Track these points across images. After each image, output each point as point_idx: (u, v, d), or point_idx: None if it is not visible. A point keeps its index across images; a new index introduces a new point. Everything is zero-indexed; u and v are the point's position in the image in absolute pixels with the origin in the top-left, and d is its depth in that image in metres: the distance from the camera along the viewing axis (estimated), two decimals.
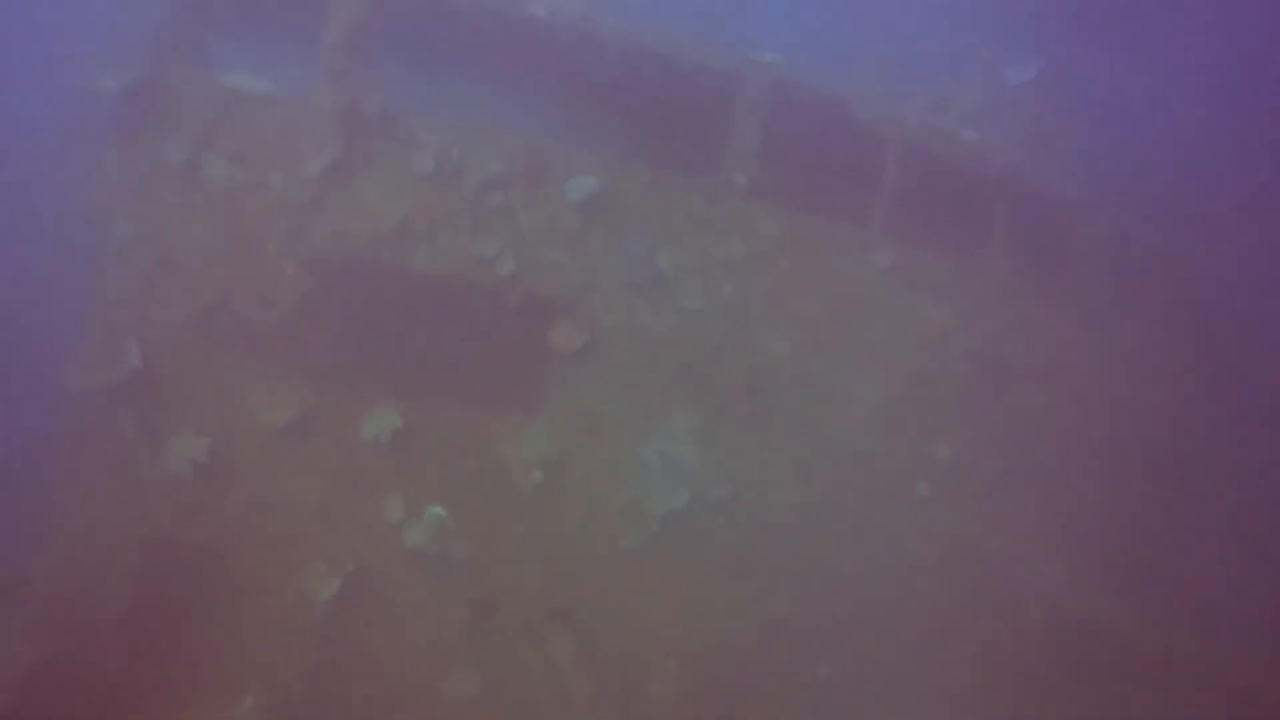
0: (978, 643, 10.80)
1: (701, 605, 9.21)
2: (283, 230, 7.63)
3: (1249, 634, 10.62)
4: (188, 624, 7.56)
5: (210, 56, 8.14)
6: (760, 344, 9.14)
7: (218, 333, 7.52)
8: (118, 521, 7.33)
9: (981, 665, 10.75)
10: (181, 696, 7.50)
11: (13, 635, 7.14)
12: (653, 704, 8.49)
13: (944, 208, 10.07)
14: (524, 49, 9.00)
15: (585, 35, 8.19)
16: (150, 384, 7.35)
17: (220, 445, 7.57)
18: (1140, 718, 10.35)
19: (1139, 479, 11.59)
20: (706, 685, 8.74)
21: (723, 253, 8.90)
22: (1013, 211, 10.19)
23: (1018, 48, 10.44)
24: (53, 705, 7.06)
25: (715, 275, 8.89)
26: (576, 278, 8.43)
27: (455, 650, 8.25)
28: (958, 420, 10.32)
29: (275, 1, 8.97)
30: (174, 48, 7.25)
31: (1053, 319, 10.96)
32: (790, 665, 9.74)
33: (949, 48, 11.14)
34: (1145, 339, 11.60)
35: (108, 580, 7.31)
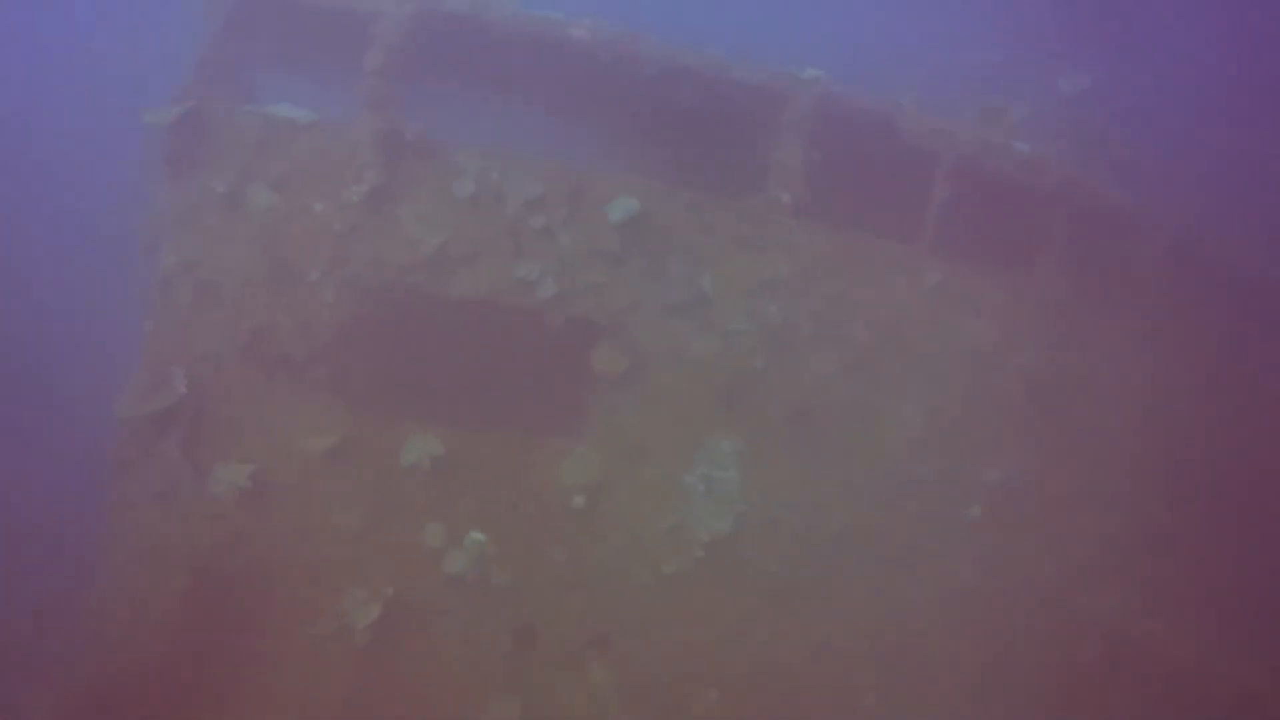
0: (1032, 673, 10.29)
1: (745, 632, 8.90)
2: (324, 257, 7.53)
3: None
4: (231, 650, 7.47)
5: (254, 88, 8.11)
6: (806, 366, 8.81)
7: (260, 359, 7.44)
8: (165, 548, 7.27)
9: (1037, 696, 10.24)
10: None
11: (66, 662, 7.13)
12: None
13: (996, 223, 9.63)
14: (565, 71, 8.81)
15: (625, 56, 7.97)
16: (195, 411, 7.29)
17: (263, 471, 7.47)
18: None
19: (1203, 502, 10.96)
20: (749, 715, 8.40)
21: (767, 273, 8.60)
22: (1068, 226, 9.71)
23: (1070, 57, 9.95)
24: None
25: (760, 297, 8.60)
26: (618, 301, 8.21)
27: (495, 677, 8.04)
28: (1010, 441, 9.85)
29: (318, 33, 8.91)
30: (220, 80, 7.21)
31: (1110, 336, 10.43)
32: (836, 693, 9.36)
33: (998, 58, 10.70)
34: (1209, 356, 10.98)
35: (155, 607, 7.26)
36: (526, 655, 8.21)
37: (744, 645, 8.80)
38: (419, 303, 7.80)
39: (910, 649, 9.63)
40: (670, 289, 8.26)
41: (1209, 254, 10.73)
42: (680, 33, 7.93)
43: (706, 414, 8.53)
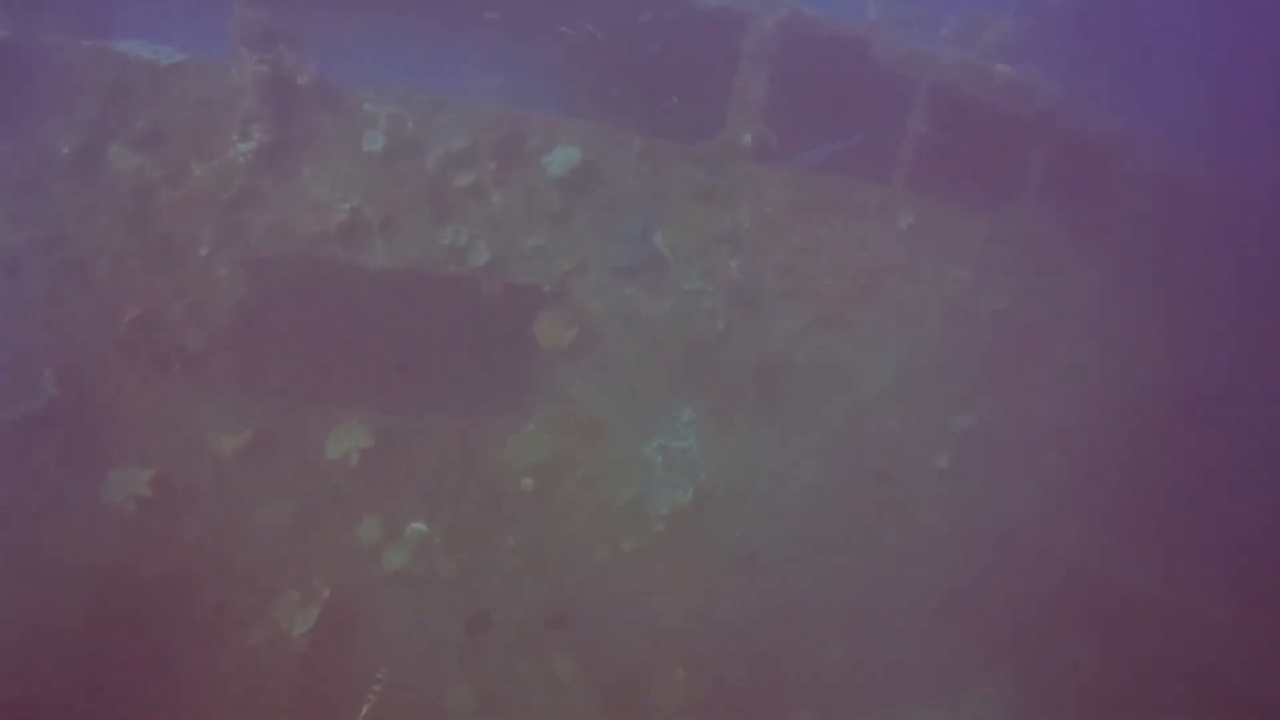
0: (993, 609, 9.82)
1: (710, 603, 8.12)
2: (213, 228, 6.04)
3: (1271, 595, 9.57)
4: (156, 666, 6.43)
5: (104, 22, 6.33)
6: (771, 324, 7.66)
7: (148, 351, 6.05)
8: (57, 565, 6.09)
9: (996, 630, 9.80)
10: None
11: None
12: (660, 715, 7.49)
13: (975, 155, 8.35)
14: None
15: None
16: (73, 414, 5.95)
17: (168, 474, 6.24)
18: (1155, 674, 9.44)
19: (1166, 436, 10.31)
20: (716, 689, 7.71)
21: (728, 226, 7.30)
22: (1049, 155, 8.48)
23: None
24: None
25: (719, 252, 7.32)
26: (561, 264, 6.90)
27: (450, 671, 7.16)
28: (981, 388, 8.95)
29: None
30: (50, 5, 5.49)
31: (1086, 271, 9.43)
32: (805, 649, 8.74)
33: None
34: (1183, 288, 10.07)
35: (54, 629, 6.13)
36: (481, 644, 7.31)
37: (710, 617, 8.03)
38: (333, 276, 6.39)
39: (876, 596, 9.02)
40: (619, 248, 6.94)
41: (1190, 177, 9.63)
42: None
43: (663, 382, 7.41)
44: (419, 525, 7.06)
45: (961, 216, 8.13)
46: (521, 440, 7.16)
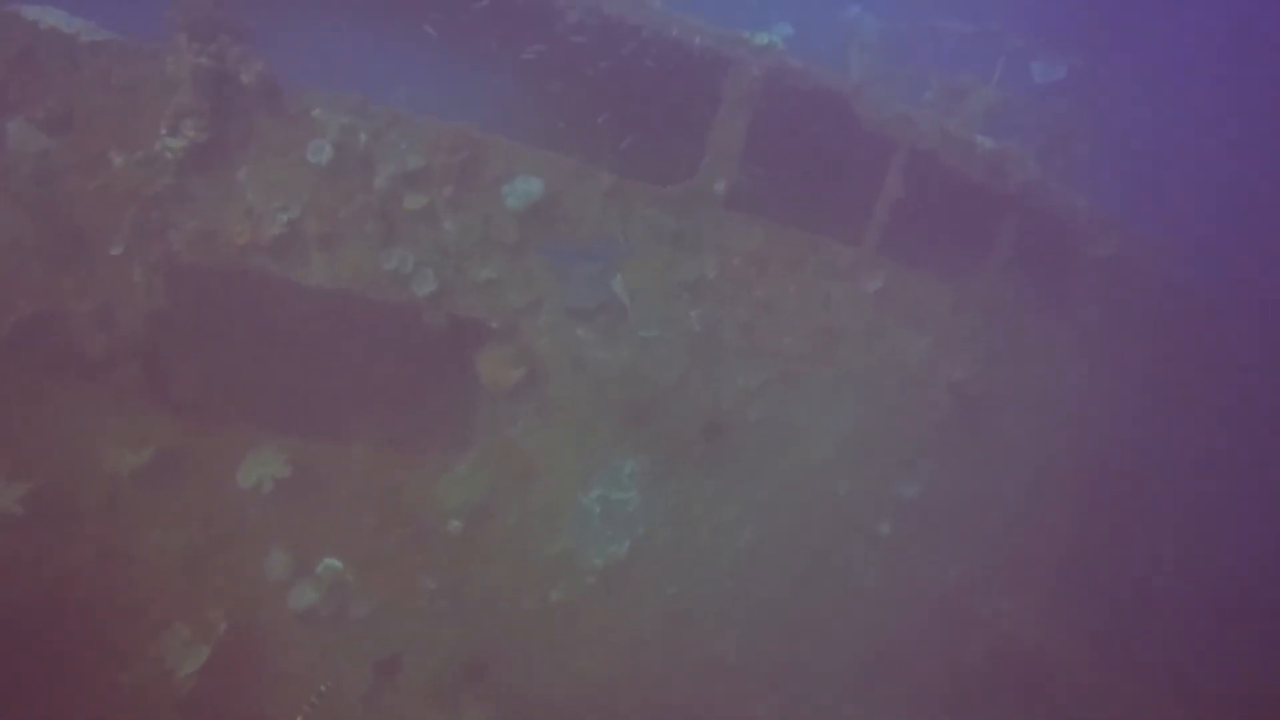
0: (919, 671, 9.58)
1: (636, 659, 7.65)
2: (130, 226, 5.35)
3: (1193, 681, 9.53)
4: (16, 704, 5.67)
5: None
6: (726, 379, 7.24)
7: (40, 354, 5.33)
8: None
9: (921, 692, 9.56)
10: None
11: None
12: None
13: (947, 223, 8.07)
14: (464, 16, 6.56)
15: (541, 1, 5.81)
16: None
17: (50, 491, 5.50)
18: None
19: (1104, 510, 10.22)
20: None
21: (692, 274, 6.85)
22: (1020, 230, 8.28)
23: (1046, 41, 8.21)
24: None
25: (680, 301, 6.87)
26: (513, 300, 6.36)
27: (354, 717, 6.54)
28: (930, 456, 8.70)
29: None
30: None
31: (1044, 346, 9.26)
32: (729, 709, 8.34)
33: (972, 29, 8.85)
34: (1134, 368, 9.99)
35: None
36: (389, 690, 6.70)
37: (635, 674, 7.55)
38: (262, 290, 5.75)
39: (803, 656, 8.70)
40: (576, 289, 6.43)
41: (1148, 265, 9.56)
42: None
43: (609, 432, 6.93)
44: (333, 561, 6.43)
45: (928, 283, 7.84)
46: (453, 479, 6.61)
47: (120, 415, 5.64)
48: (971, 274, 8.47)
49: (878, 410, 8.15)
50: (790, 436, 7.78)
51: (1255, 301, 9.84)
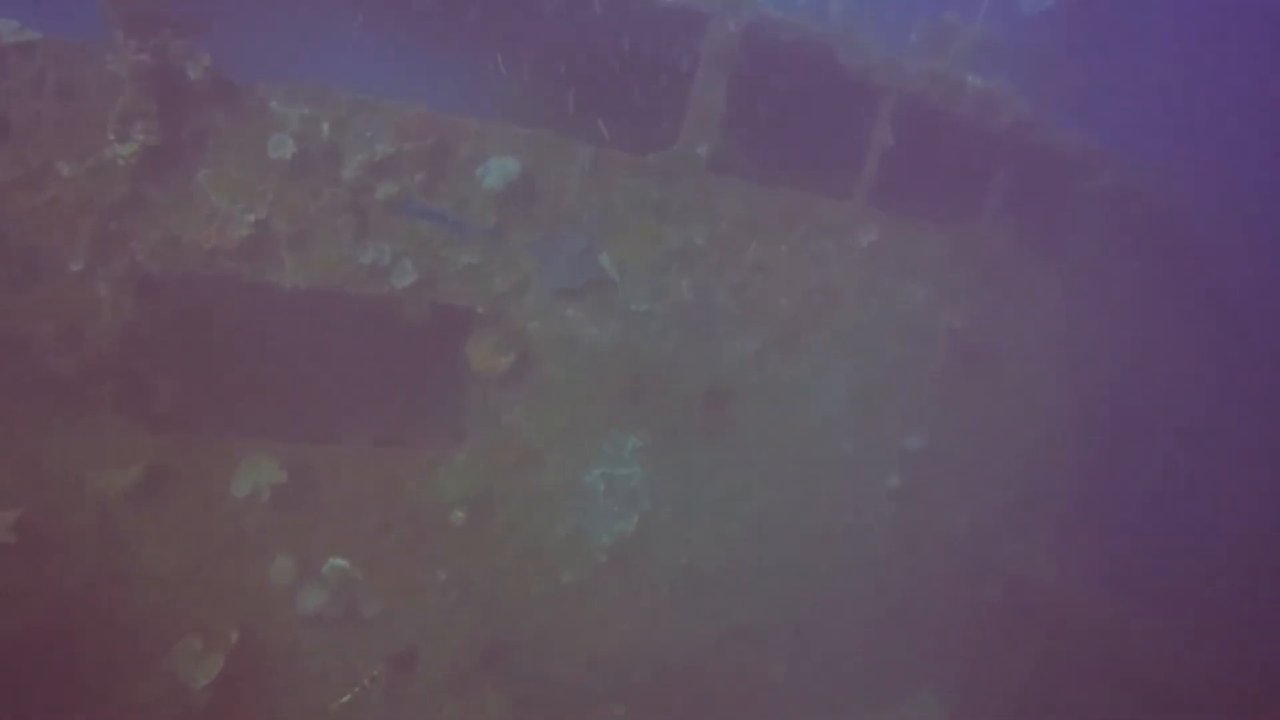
0: (935, 618, 9.58)
1: (651, 633, 7.57)
2: (87, 240, 5.03)
3: (1199, 610, 9.55)
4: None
5: None
6: (723, 346, 6.99)
7: (9, 380, 5.06)
8: None
9: (938, 639, 9.58)
10: None
11: None
12: None
13: (939, 169, 7.74)
14: None
15: None
16: None
17: (39, 518, 5.29)
18: (1089, 679, 9.38)
19: (1110, 448, 10.10)
20: None
21: (680, 243, 6.55)
22: (1014, 171, 7.94)
23: None
24: None
25: (670, 271, 6.58)
26: (497, 285, 6.06)
27: (375, 714, 6.47)
28: (934, 406, 8.52)
29: None
30: None
31: (1042, 287, 9.01)
32: (746, 673, 8.32)
33: None
34: (1135, 303, 9.76)
35: None
36: (408, 683, 6.62)
37: (650, 649, 7.48)
38: (236, 295, 5.45)
39: (818, 614, 8.65)
40: (562, 268, 6.13)
41: (1148, 194, 9.24)
42: None
43: (607, 409, 6.70)
44: (339, 561, 6.27)
45: (922, 232, 7.55)
46: (452, 470, 6.41)
47: (102, 436, 5.38)
48: (966, 218, 8.17)
49: (879, 364, 7.94)
50: (792, 398, 7.57)
51: (1252, 231, 9.54)
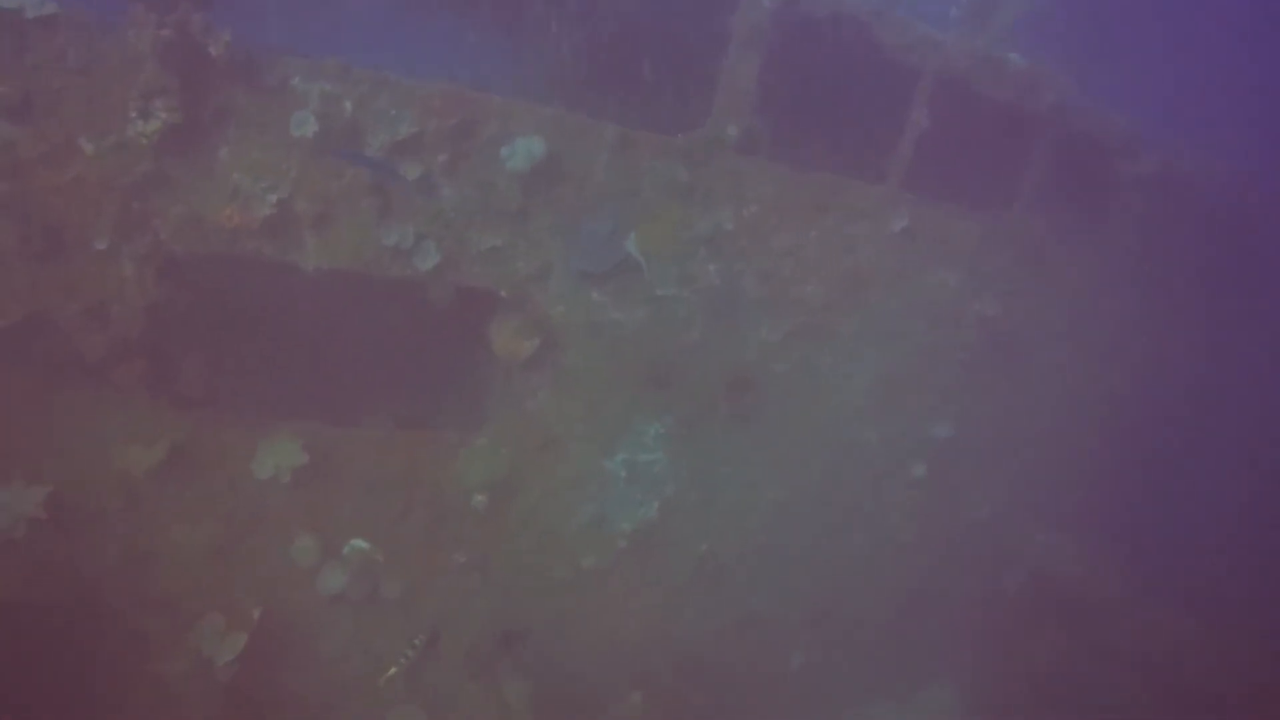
0: (955, 608, 9.44)
1: (670, 620, 7.51)
2: (112, 219, 4.97)
3: (1223, 612, 9.31)
4: (54, 697, 5.63)
5: None
6: (749, 333, 6.83)
7: (37, 358, 5.04)
8: None
9: (958, 628, 9.45)
10: None
11: None
12: None
13: (977, 151, 7.45)
14: None
15: None
16: None
17: (68, 494, 5.31)
18: (1110, 670, 9.22)
19: (1140, 442, 9.81)
20: (674, 712, 7.17)
21: (708, 227, 6.37)
22: (1053, 153, 7.63)
23: None
24: None
25: (697, 256, 6.41)
26: (521, 268, 5.94)
27: (394, 694, 6.48)
28: (962, 394, 8.30)
29: None
30: None
31: (1078, 272, 8.71)
32: (763, 661, 8.25)
33: None
34: (1173, 290, 9.41)
35: None
36: (428, 665, 6.62)
37: (669, 635, 7.42)
38: (259, 275, 5.38)
39: (838, 603, 8.55)
40: (587, 251, 5.99)
41: (1193, 179, 8.86)
42: None
43: (630, 395, 6.58)
44: (360, 542, 6.24)
45: (956, 217, 7.29)
46: (474, 454, 6.34)
47: (127, 414, 5.36)
48: (1002, 202, 7.88)
49: (907, 352, 7.74)
50: (818, 386, 7.41)
51: None
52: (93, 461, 5.43)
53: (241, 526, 5.91)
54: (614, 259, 6.03)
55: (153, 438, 5.49)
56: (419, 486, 6.26)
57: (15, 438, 5.28)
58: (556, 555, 6.80)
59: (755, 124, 6.10)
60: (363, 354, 6.01)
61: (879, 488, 8.13)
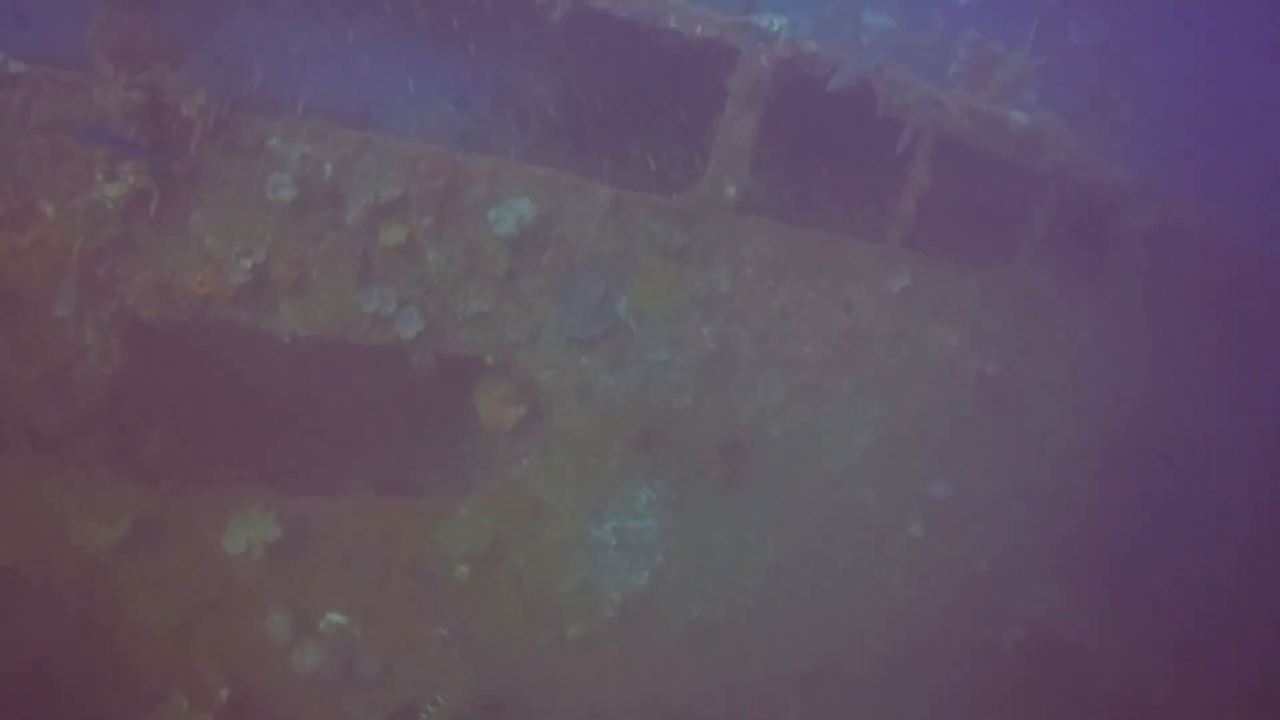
0: (951, 664, 9.12)
1: (660, 686, 7.16)
2: (73, 285, 4.64)
3: (1226, 667, 9.04)
4: None
5: None
6: (743, 396, 6.53)
7: None
8: None
9: (954, 684, 9.12)
10: None
11: None
12: None
13: (977, 208, 7.22)
14: (431, 13, 5.65)
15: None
16: None
17: (21, 571, 4.93)
18: None
19: (1142, 495, 9.56)
20: None
21: (702, 288, 6.09)
22: (1055, 208, 7.43)
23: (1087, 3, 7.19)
24: None
25: (691, 318, 6.13)
26: (508, 333, 5.62)
27: None
28: (962, 451, 8.03)
29: None
30: None
31: (1077, 327, 8.49)
32: None
33: None
34: (1173, 341, 9.21)
35: None
36: None
37: (658, 701, 7.06)
38: (231, 343, 5.05)
39: (832, 663, 8.22)
40: (577, 315, 5.69)
41: (1193, 232, 8.68)
42: None
43: (620, 461, 6.27)
44: (336, 616, 5.88)
45: (956, 274, 7.06)
46: (456, 524, 6.00)
47: (88, 488, 5.00)
48: (1003, 259, 7.66)
49: (905, 412, 7.47)
50: (813, 448, 7.13)
51: None
52: (49, 539, 5.06)
53: (209, 602, 5.54)
54: (605, 323, 5.74)
55: (115, 513, 5.12)
56: (399, 557, 5.92)
57: None
58: (542, 625, 6.46)
59: (752, 183, 5.84)
60: (341, 421, 5.68)
61: (876, 548, 7.84)
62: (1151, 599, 9.63)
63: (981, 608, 9.00)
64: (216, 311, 4.99)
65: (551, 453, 6.06)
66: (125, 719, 5.44)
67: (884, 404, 7.28)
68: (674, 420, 6.36)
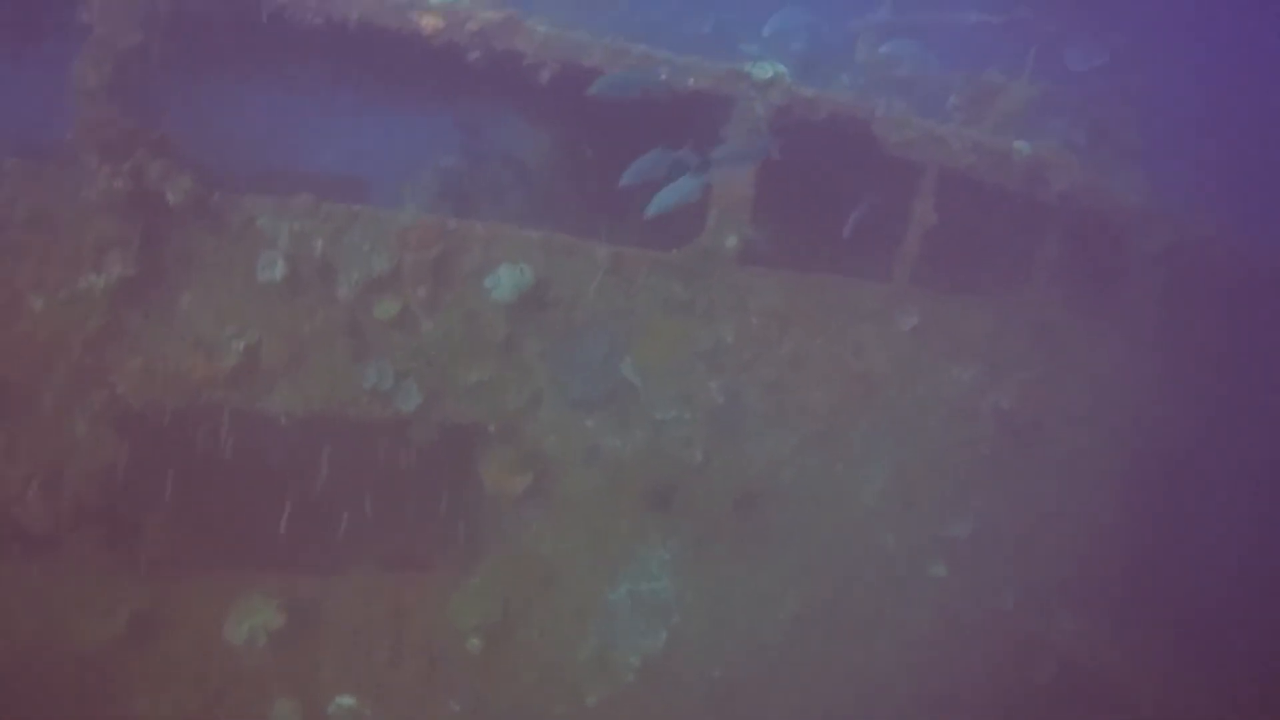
0: (984, 708, 8.79)
1: None
2: (62, 375, 4.48)
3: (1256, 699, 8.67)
4: None
5: None
6: (755, 448, 6.32)
7: None
8: None
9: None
10: None
11: None
12: None
13: (985, 241, 7.03)
14: (422, 73, 5.54)
15: (503, 53, 4.80)
16: None
17: (12, 672, 4.72)
18: None
19: (1167, 523, 9.25)
20: None
21: (708, 342, 5.90)
22: (1064, 238, 7.24)
23: (1084, 26, 7.04)
24: None
25: (697, 374, 5.93)
26: (510, 400, 5.43)
27: None
28: (982, 488, 7.77)
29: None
30: None
31: (1094, 355, 8.26)
32: None
33: (1000, 20, 7.68)
34: (1192, 364, 8.94)
35: None
36: None
37: None
38: (226, 426, 4.87)
39: (861, 711, 7.91)
40: (580, 378, 5.50)
41: (1208, 252, 8.46)
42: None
43: (631, 522, 6.05)
44: (346, 699, 5.65)
45: (967, 310, 6.86)
46: (465, 596, 5.79)
47: (81, 585, 4.81)
48: (1014, 290, 7.45)
49: (922, 452, 7.24)
50: (830, 495, 6.91)
51: None
52: (42, 639, 4.86)
53: (212, 693, 5.31)
54: (609, 384, 5.54)
55: (111, 608, 4.93)
56: (408, 633, 5.70)
57: None
58: (559, 693, 6.21)
59: (754, 232, 5.67)
60: (343, 498, 5.49)
61: (899, 591, 7.57)
62: (1183, 627, 9.30)
63: (1010, 645, 8.70)
64: (210, 395, 4.82)
65: (560, 518, 5.86)
66: None
67: (900, 445, 7.06)
68: (685, 477, 6.15)
